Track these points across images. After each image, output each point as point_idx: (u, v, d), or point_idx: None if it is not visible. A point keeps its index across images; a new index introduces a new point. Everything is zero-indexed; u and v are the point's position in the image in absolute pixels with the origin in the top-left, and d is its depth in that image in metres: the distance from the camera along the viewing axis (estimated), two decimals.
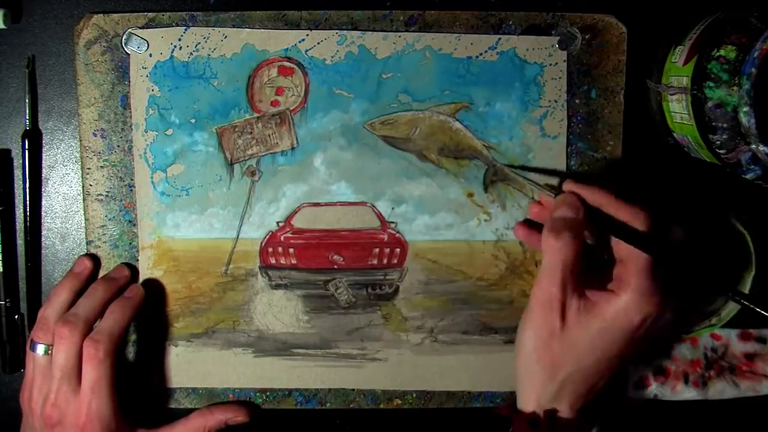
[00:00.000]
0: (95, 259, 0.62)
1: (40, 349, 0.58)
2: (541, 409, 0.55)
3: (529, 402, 0.56)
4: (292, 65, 0.61)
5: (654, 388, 0.65)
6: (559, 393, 0.55)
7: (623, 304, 0.52)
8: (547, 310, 0.54)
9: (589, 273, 0.55)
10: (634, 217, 0.54)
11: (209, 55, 0.60)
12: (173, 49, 0.60)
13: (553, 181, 0.61)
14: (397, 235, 0.63)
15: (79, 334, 0.57)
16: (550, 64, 0.61)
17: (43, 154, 0.63)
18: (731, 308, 0.62)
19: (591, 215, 0.55)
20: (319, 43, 0.61)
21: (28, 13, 0.62)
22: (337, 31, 0.60)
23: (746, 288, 0.62)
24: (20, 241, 0.63)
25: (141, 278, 0.62)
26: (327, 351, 0.64)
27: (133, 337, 0.63)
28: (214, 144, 0.61)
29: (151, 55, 0.60)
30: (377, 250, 0.63)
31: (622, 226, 0.54)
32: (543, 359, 0.55)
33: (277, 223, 0.62)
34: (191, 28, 0.60)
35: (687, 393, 0.65)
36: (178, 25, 0.60)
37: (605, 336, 0.53)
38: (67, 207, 0.63)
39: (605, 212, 0.55)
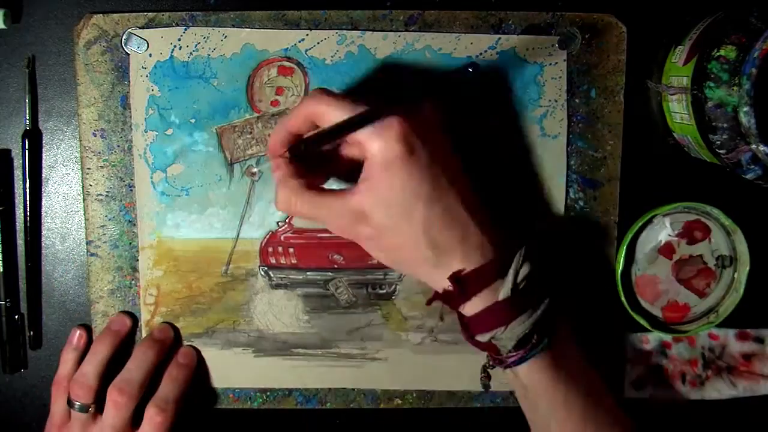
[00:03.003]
0: (133, 317, 0.63)
1: (78, 406, 0.58)
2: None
3: (438, 284, 0.53)
4: (291, 65, 0.61)
5: (651, 388, 0.65)
6: (440, 258, 0.52)
7: (376, 155, 0.49)
8: (353, 227, 0.52)
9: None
10: (320, 114, 0.51)
11: (209, 55, 0.60)
12: (173, 49, 0.60)
13: None
14: None
15: (133, 402, 0.58)
16: (550, 64, 0.61)
17: (43, 154, 0.63)
18: (728, 304, 0.63)
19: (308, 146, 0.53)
20: (318, 43, 0.60)
21: (28, 13, 0.61)
22: (336, 30, 0.60)
23: (742, 284, 0.62)
24: (20, 241, 0.63)
25: (141, 278, 0.62)
26: (327, 351, 0.64)
27: (137, 336, 0.63)
28: (214, 144, 0.61)
29: (150, 55, 0.60)
30: None
31: (333, 127, 0.51)
32: (394, 254, 0.53)
33: (277, 222, 0.62)
34: (191, 28, 0.60)
35: (684, 393, 0.65)
36: (177, 25, 0.60)
37: (402, 188, 0.50)
38: (67, 207, 0.63)
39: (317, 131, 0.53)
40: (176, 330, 0.63)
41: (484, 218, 0.52)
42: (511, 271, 0.51)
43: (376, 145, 0.49)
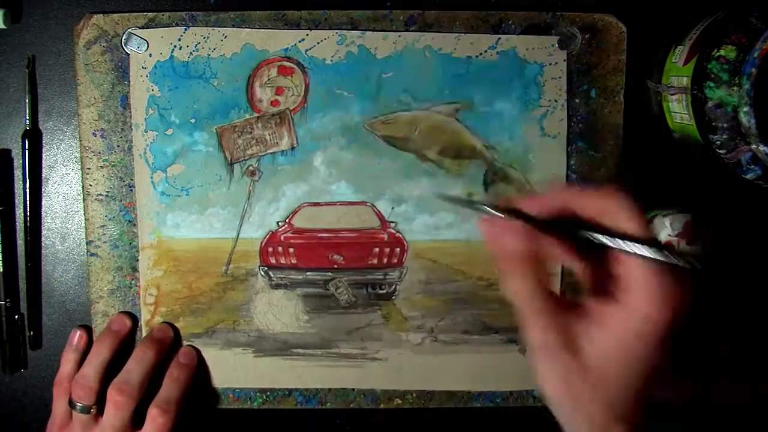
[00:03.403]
0: (133, 318, 0.63)
1: (79, 407, 0.59)
2: None
3: None
4: (291, 65, 0.61)
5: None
6: (608, 427, 0.43)
7: (636, 313, 0.41)
8: (553, 356, 0.42)
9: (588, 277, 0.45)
10: (609, 206, 0.42)
11: (209, 55, 0.60)
12: (173, 49, 0.60)
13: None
14: (397, 234, 0.63)
15: (134, 402, 0.58)
16: (550, 64, 0.61)
17: (43, 154, 0.63)
18: None
19: (554, 228, 0.43)
20: (318, 43, 0.60)
21: (28, 13, 0.61)
22: (336, 30, 0.60)
23: None
24: (20, 241, 0.63)
25: (141, 278, 0.62)
26: (327, 351, 0.64)
27: (137, 335, 0.63)
28: (214, 144, 0.61)
29: (150, 55, 0.60)
30: (377, 249, 0.63)
31: (599, 224, 0.42)
32: (573, 403, 0.43)
33: (278, 222, 0.63)
34: (191, 28, 0.60)
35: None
36: (177, 25, 0.60)
37: (626, 348, 0.41)
38: (67, 207, 0.63)
39: (575, 211, 0.43)
40: (176, 330, 0.63)
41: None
42: None
43: (653, 306, 0.40)
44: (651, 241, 0.40)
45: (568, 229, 0.42)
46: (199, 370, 0.63)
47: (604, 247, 0.41)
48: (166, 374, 0.61)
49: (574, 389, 0.42)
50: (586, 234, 0.41)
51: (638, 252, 0.40)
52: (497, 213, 0.43)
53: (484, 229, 0.45)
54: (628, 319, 0.41)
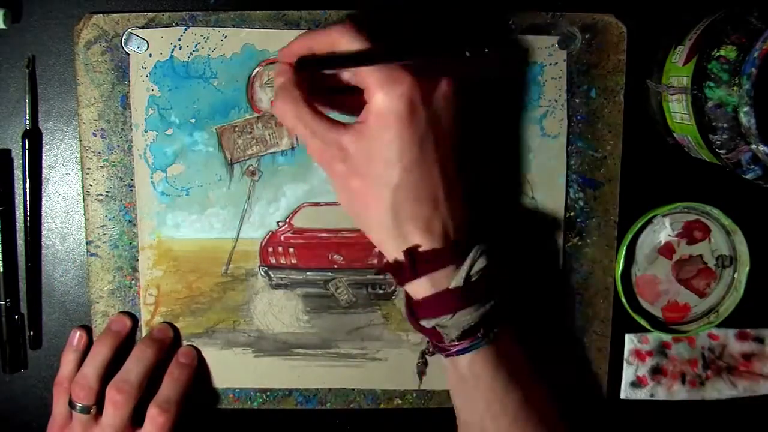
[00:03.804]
0: (133, 318, 0.63)
1: (80, 408, 0.59)
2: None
3: (390, 252, 0.53)
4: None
5: (650, 388, 0.65)
6: (400, 227, 0.51)
7: (380, 104, 0.49)
8: (331, 161, 0.51)
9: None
10: (338, 39, 0.50)
11: (209, 54, 0.60)
12: (173, 49, 0.60)
13: None
14: None
15: (133, 401, 0.59)
16: (550, 64, 0.61)
17: (43, 154, 0.63)
18: (728, 304, 0.63)
19: (306, 64, 0.52)
20: None
21: (28, 13, 0.61)
22: None
23: (742, 284, 0.62)
24: (20, 241, 0.63)
25: (141, 278, 0.62)
26: (327, 351, 0.64)
27: (137, 336, 0.63)
28: (214, 144, 0.61)
29: (150, 55, 0.60)
30: (377, 249, 0.63)
31: (336, 56, 0.50)
32: (356, 203, 0.52)
33: (278, 222, 0.62)
34: (191, 28, 0.60)
35: (684, 393, 0.65)
36: (177, 25, 0.60)
37: (389, 145, 0.49)
38: (67, 207, 0.63)
39: (318, 53, 0.52)
40: (176, 329, 0.63)
41: (456, 203, 0.52)
42: (467, 262, 0.51)
43: (381, 94, 0.49)
44: (365, 53, 0.49)
45: (311, 65, 0.52)
46: (199, 370, 0.63)
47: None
48: (166, 374, 0.61)
49: (361, 198, 0.51)
50: (321, 67, 0.52)
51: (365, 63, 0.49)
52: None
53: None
54: (376, 112, 0.49)
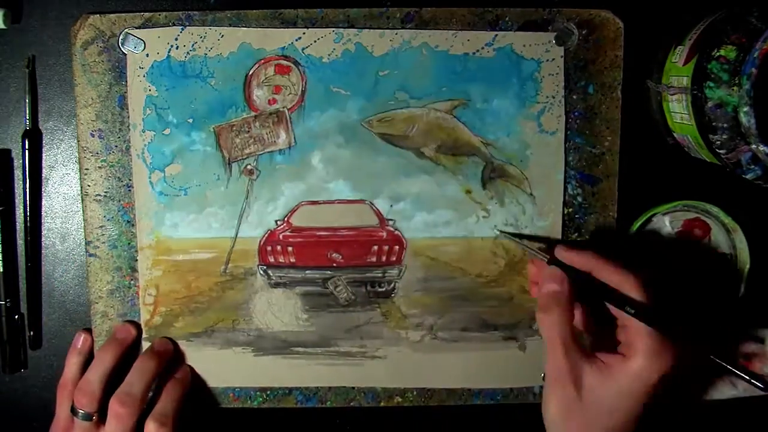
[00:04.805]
0: (137, 327, 0.63)
1: (82, 415, 0.59)
2: None
3: None
4: (288, 63, 0.61)
5: None
6: None
7: (636, 369, 0.52)
8: (562, 384, 0.53)
9: (600, 333, 0.57)
10: (624, 282, 0.53)
11: (206, 54, 0.60)
12: (170, 49, 0.60)
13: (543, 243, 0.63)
14: (396, 232, 0.63)
15: (135, 414, 0.59)
16: (547, 60, 0.60)
17: (43, 154, 0.63)
18: None
19: (582, 283, 0.56)
20: (315, 41, 0.60)
21: (28, 13, 0.61)
22: (333, 29, 0.60)
23: (743, 281, 0.62)
24: (20, 241, 0.63)
25: (140, 278, 0.63)
26: (327, 349, 0.64)
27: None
28: (212, 143, 0.61)
29: (147, 55, 0.60)
30: (376, 247, 0.63)
31: (614, 293, 0.54)
32: (567, 423, 0.54)
33: (276, 221, 0.62)
34: (188, 27, 0.60)
35: (684, 393, 0.65)
36: (174, 25, 0.60)
37: (625, 398, 0.52)
38: (67, 207, 0.64)
39: (598, 278, 0.55)
40: (175, 344, 0.64)
41: None
42: None
43: (644, 362, 0.51)
44: (655, 313, 0.52)
45: (593, 289, 0.55)
46: (200, 369, 0.64)
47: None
48: (164, 390, 0.61)
49: (572, 418, 0.53)
50: (604, 296, 0.54)
51: (641, 319, 0.52)
52: (541, 256, 0.58)
53: (532, 269, 0.62)
54: (629, 373, 0.52)
